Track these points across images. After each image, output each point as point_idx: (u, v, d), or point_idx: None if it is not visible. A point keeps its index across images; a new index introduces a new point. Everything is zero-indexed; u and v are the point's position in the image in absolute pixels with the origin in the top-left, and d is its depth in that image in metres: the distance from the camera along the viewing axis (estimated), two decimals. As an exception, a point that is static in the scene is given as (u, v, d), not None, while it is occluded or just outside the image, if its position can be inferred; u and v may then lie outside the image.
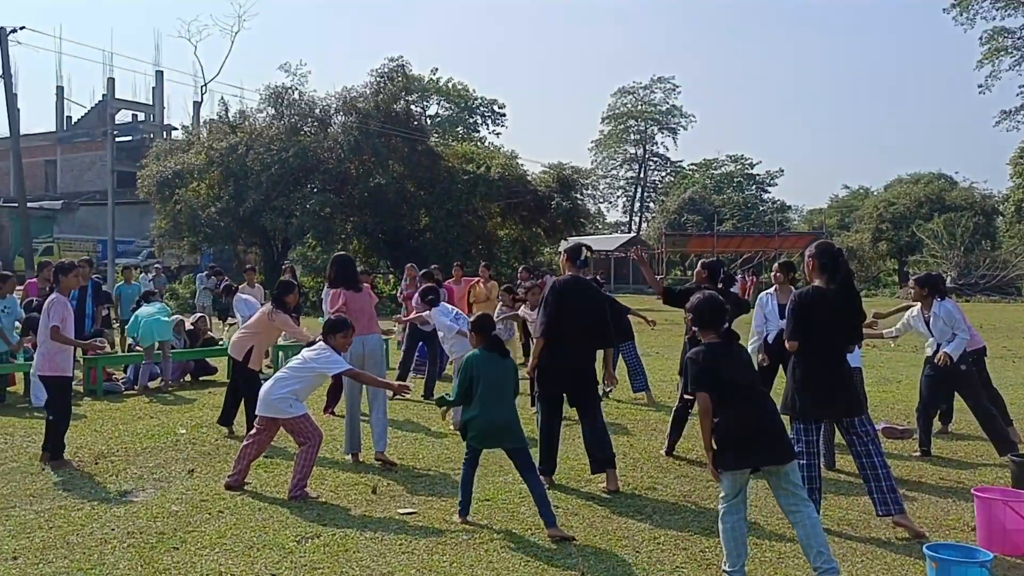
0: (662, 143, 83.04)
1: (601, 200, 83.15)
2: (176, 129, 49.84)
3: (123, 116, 58.18)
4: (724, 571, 4.31)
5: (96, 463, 6.96)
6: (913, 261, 49.26)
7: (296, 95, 36.69)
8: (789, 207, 79.47)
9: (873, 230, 52.97)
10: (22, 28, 32.40)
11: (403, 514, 5.55)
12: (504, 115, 70.19)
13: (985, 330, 19.51)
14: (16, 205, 46.46)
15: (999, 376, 12.02)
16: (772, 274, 8.38)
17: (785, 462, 4.27)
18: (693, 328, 4.40)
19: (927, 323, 7.41)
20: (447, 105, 68.52)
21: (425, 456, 7.26)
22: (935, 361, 7.24)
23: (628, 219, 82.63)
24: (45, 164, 56.06)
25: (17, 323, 10.23)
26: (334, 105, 37.08)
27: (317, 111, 36.92)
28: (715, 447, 4.30)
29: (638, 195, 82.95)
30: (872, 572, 4.56)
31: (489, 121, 69.75)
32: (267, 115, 37.13)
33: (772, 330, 7.64)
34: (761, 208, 75.02)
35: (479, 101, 68.93)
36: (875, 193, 64.51)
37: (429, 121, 63.92)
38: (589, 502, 5.87)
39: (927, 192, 53.95)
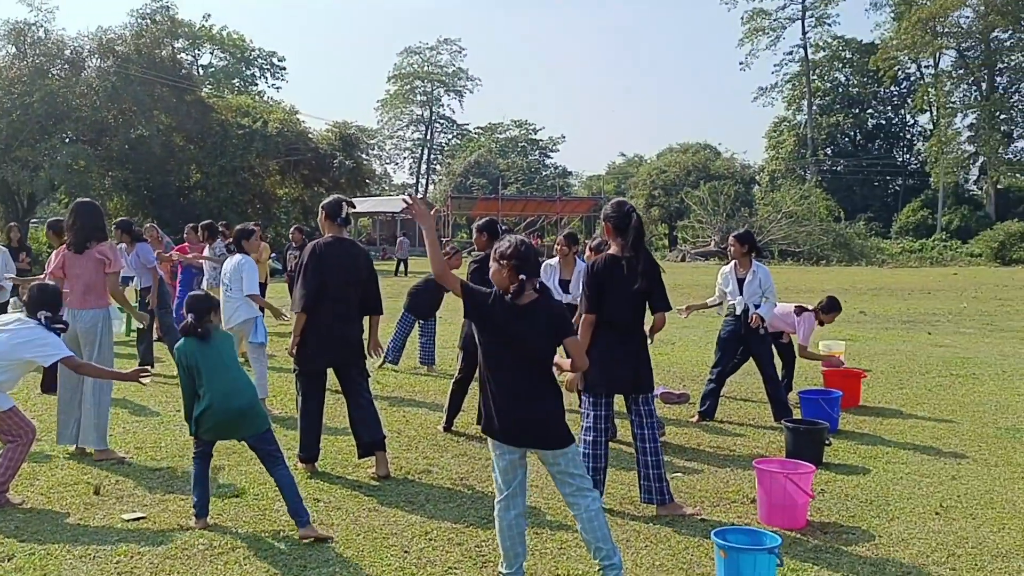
0: (448, 105, 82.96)
1: (388, 161, 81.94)
2: None
3: None
4: (500, 572, 3.82)
5: None
6: (681, 226, 52.14)
7: (42, 33, 32.78)
8: (570, 173, 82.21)
9: (647, 196, 55.44)
10: None
11: (129, 520, 4.63)
12: (284, 69, 67.06)
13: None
14: None
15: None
16: (556, 246, 8.04)
17: (554, 447, 3.79)
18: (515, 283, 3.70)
19: (740, 282, 7.28)
20: (222, 56, 64.16)
21: (169, 443, 6.30)
22: (749, 322, 7.12)
23: (415, 181, 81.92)
24: None
25: None
26: (87, 47, 33.56)
27: (67, 52, 33.24)
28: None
29: (424, 157, 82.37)
30: (657, 558, 4.25)
31: (268, 75, 66.23)
32: (7, 54, 32.94)
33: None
34: (544, 173, 76.87)
35: (257, 52, 65.18)
36: (648, 161, 67.63)
37: (201, 71, 59.69)
38: (355, 492, 5.22)
39: (695, 161, 57.16)
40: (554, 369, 3.88)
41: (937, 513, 4.96)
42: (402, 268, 30.53)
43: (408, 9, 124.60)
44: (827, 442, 6.05)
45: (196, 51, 60.70)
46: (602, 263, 4.87)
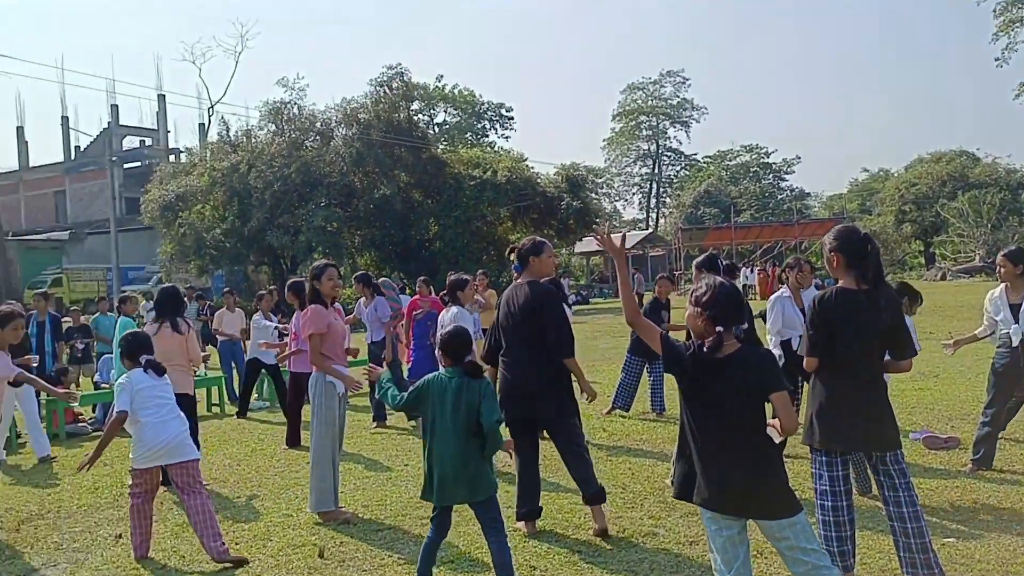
0: (675, 137, 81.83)
1: (616, 198, 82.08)
2: (182, 152, 49.32)
3: (131, 142, 58.00)
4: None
5: (18, 530, 6.07)
6: (939, 242, 47.79)
7: (295, 110, 36.12)
8: (808, 194, 78.03)
9: (896, 212, 51.43)
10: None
11: (346, 587, 4.60)
12: (512, 119, 69.41)
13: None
14: (25, 238, 46.33)
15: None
16: (787, 275, 7.33)
17: (779, 516, 3.27)
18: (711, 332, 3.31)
19: (1015, 308, 6.29)
20: (454, 112, 67.74)
21: (394, 501, 6.31)
22: None
23: (645, 216, 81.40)
24: (54, 195, 55.86)
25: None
26: (335, 117, 36.44)
27: (318, 124, 36.31)
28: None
29: (653, 191, 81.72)
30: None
31: (498, 125, 68.95)
32: (268, 132, 36.55)
33: (794, 335, 6.66)
34: (779, 197, 73.59)
35: (486, 106, 68.12)
36: (896, 175, 62.83)
37: (437, 129, 63.26)
38: (575, 556, 4.89)
39: (950, 170, 52.31)
40: (769, 430, 3.37)
41: None
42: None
43: (630, 44, 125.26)
44: None
45: (431, 111, 64.47)
46: (833, 298, 4.24)
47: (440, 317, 7.81)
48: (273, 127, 36.20)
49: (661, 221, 77.39)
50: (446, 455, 4.21)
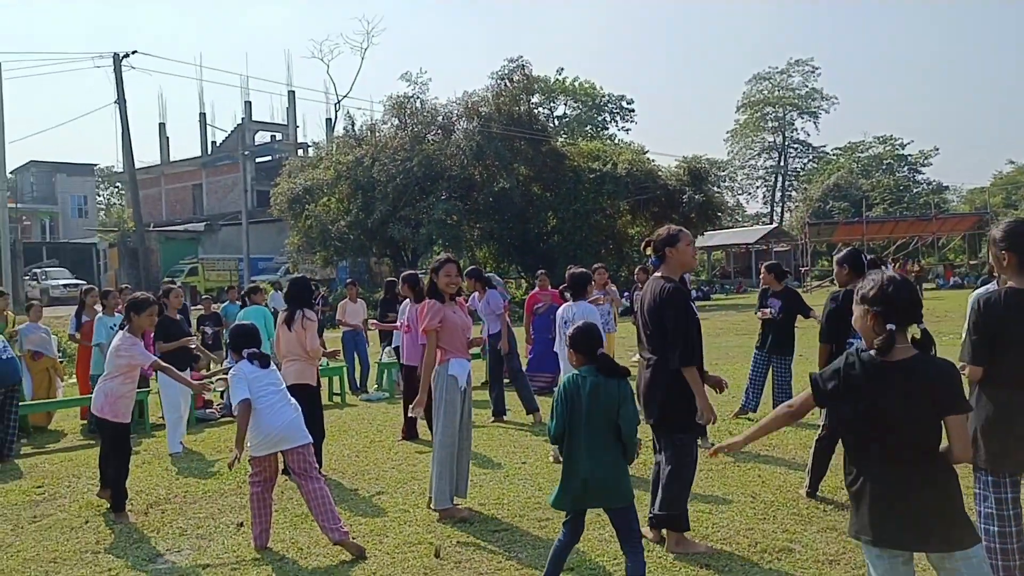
0: (802, 128, 78.87)
1: (740, 192, 79.94)
2: (310, 147, 50.97)
3: (262, 137, 60.34)
4: None
5: (147, 513, 6.24)
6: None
7: (418, 104, 36.61)
8: (946, 188, 73.71)
9: (1047, 207, 48.01)
10: (134, 52, 33.27)
11: (460, 591, 4.45)
12: (633, 111, 68.52)
13: None
14: (165, 229, 48.89)
15: None
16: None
17: (955, 547, 2.89)
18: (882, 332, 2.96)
19: None
20: (575, 105, 67.38)
21: (511, 500, 6.14)
22: None
23: (769, 210, 78.94)
24: (192, 188, 58.70)
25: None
26: (456, 111, 36.75)
27: (440, 118, 36.71)
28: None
29: (779, 184, 79.11)
30: None
31: (618, 118, 68.20)
32: (391, 126, 37.23)
33: None
34: (915, 191, 69.85)
35: (607, 98, 67.47)
36: (1046, 166, 58.61)
37: (557, 122, 63.11)
38: (703, 569, 4.59)
39: (1109, 161, 48.42)
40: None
41: None
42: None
43: (755, 35, 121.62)
44: None
45: (551, 103, 64.37)
46: (1002, 300, 3.78)
47: (560, 311, 7.60)
48: (396, 121, 36.85)
49: (786, 215, 74.83)
50: (583, 459, 4.01)
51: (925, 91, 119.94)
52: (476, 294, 10.27)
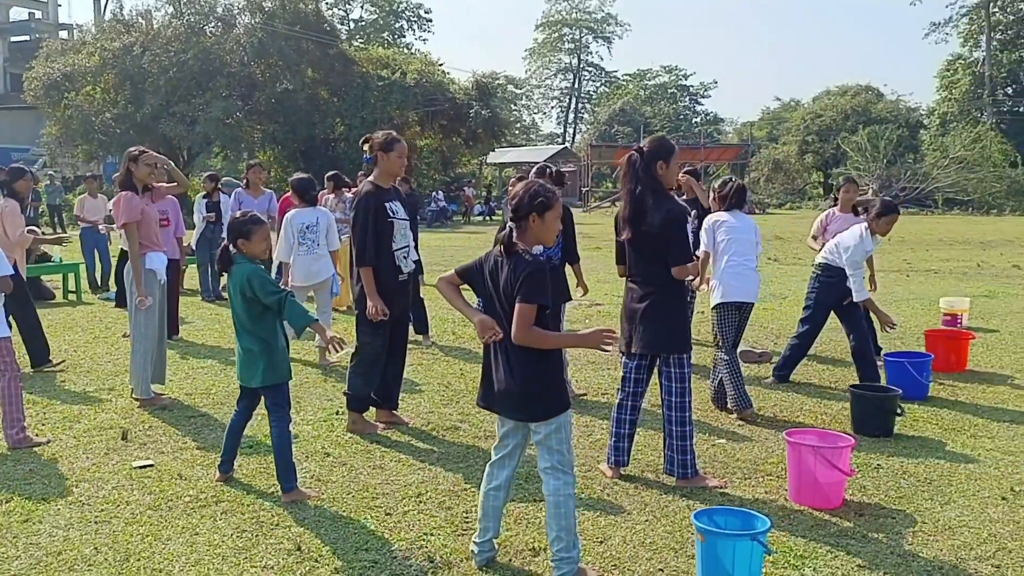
0: (597, 52, 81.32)
1: (536, 111, 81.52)
2: (74, 28, 46.54)
3: (18, 14, 54.43)
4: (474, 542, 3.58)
5: None
6: (836, 174, 49.19)
7: (196, -8, 34.32)
8: (722, 120, 78.81)
9: (800, 143, 52.55)
10: None
11: (137, 468, 4.69)
12: (430, 20, 67.54)
13: (894, 243, 19.29)
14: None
15: (888, 291, 11.62)
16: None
17: (514, 418, 3.47)
18: None
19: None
20: (371, 9, 65.45)
21: (219, 391, 6.39)
22: None
23: (563, 130, 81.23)
24: (-65, 66, 52.19)
25: None
26: (238, 4, 34.85)
27: (220, 10, 34.69)
28: None
29: (572, 106, 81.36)
30: (652, 535, 3.87)
31: (415, 27, 67.03)
32: (165, 13, 34.80)
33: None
34: (693, 120, 74.21)
35: (405, 5, 66.02)
36: (804, 105, 63.97)
37: (353, 25, 61.19)
38: (373, 447, 5.10)
39: (854, 104, 53.49)
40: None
41: (1004, 499, 4.30)
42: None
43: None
44: (899, 412, 5.36)
45: (347, 5, 62.20)
46: None
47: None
48: (171, 9, 34.51)
49: (577, 137, 77.33)
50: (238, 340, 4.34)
51: (709, 26, 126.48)
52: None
